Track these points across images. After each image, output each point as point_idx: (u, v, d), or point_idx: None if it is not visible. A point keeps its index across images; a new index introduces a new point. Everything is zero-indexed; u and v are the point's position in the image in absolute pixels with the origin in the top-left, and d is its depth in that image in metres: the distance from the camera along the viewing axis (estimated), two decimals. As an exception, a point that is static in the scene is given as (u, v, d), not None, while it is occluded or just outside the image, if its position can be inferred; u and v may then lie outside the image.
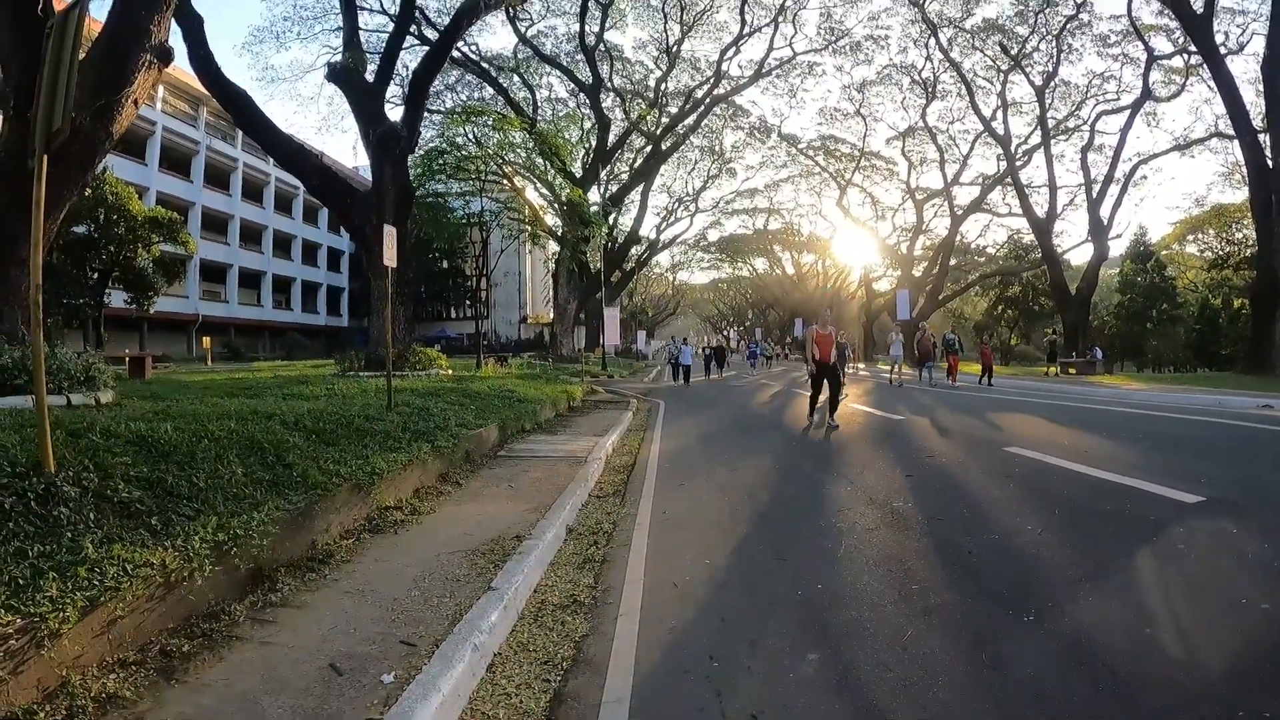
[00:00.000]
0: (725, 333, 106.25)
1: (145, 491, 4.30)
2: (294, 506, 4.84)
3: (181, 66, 13.33)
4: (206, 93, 22.11)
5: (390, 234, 10.23)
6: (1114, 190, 41.46)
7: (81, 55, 4.65)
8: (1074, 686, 3.09)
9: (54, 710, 2.72)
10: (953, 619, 3.86)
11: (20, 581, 3.04)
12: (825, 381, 12.66)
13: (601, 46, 41.64)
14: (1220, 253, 51.25)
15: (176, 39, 12.09)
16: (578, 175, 40.14)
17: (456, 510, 6.45)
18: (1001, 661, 3.34)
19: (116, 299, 31.94)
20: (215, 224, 51.70)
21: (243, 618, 3.77)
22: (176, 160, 47.82)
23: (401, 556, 4.97)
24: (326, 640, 3.53)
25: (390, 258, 10.17)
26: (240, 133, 47.12)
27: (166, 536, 3.83)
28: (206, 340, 44.53)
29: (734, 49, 43.86)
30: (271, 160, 48.43)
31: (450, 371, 20.62)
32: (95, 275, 28.86)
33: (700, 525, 6.18)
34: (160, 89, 40.43)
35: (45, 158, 4.46)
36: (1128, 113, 40.30)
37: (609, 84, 43.42)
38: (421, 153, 28.58)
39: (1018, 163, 45.55)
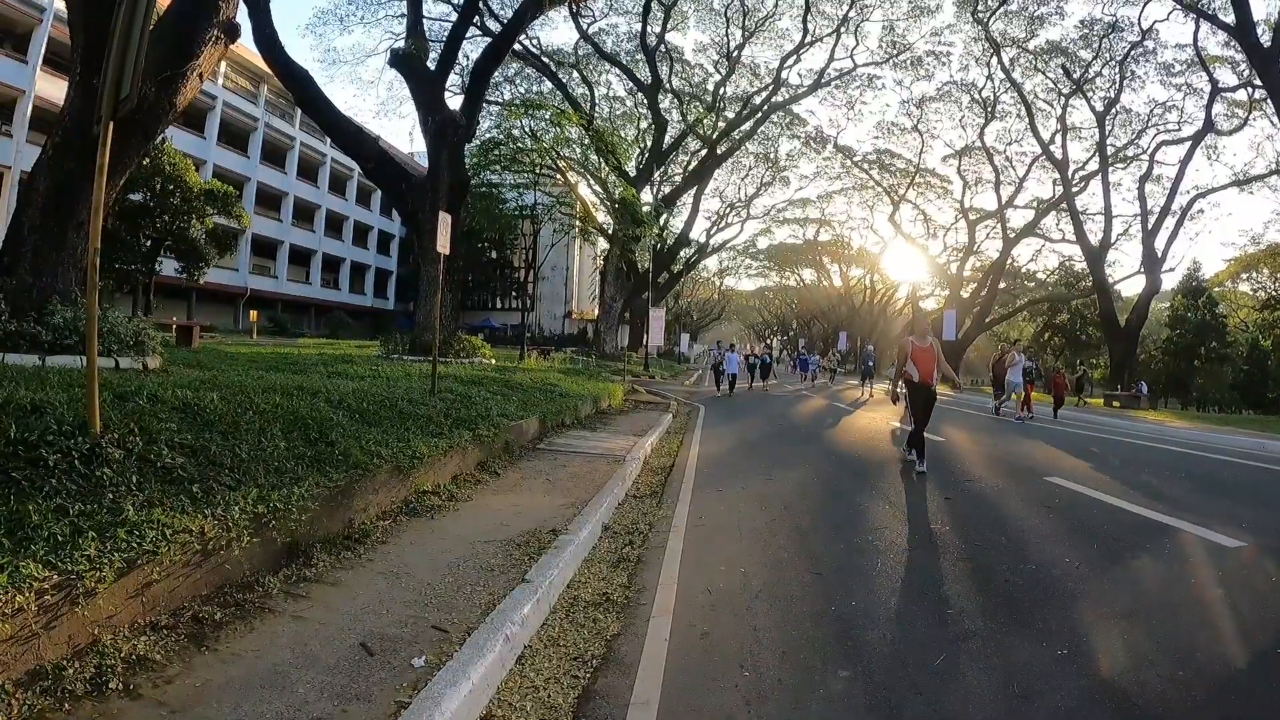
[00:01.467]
0: (768, 341, 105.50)
1: (188, 458, 4.31)
2: (334, 484, 4.83)
3: (245, 44, 13.52)
4: (267, 71, 22.40)
5: (445, 221, 10.26)
6: (1170, 222, 40.72)
7: (151, 26, 4.64)
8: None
9: (83, 668, 2.72)
10: (985, 648, 3.77)
11: (59, 538, 3.04)
12: (925, 407, 9.75)
13: (662, 47, 41.56)
14: (1274, 293, 50.02)
15: (242, 16, 12.19)
16: (631, 175, 40.11)
17: (494, 500, 6.43)
18: (1033, 695, 3.26)
19: (167, 267, 32.39)
20: (269, 200, 52.32)
21: (276, 590, 3.77)
22: (235, 135, 48.43)
23: (437, 541, 4.95)
24: (358, 619, 3.51)
25: (444, 245, 10.19)
26: (298, 112, 47.80)
27: (206, 505, 3.82)
28: (254, 313, 45.11)
29: (794, 57, 43.53)
30: (328, 141, 49.01)
31: (493, 361, 20.68)
32: (148, 243, 29.26)
33: (736, 533, 6.10)
34: (223, 65, 40.94)
35: (111, 125, 4.49)
36: (1188, 144, 39.51)
37: (668, 85, 43.31)
38: (478, 143, 28.70)
39: (1074, 188, 44.77)
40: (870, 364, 30.55)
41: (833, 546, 5.70)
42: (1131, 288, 48.18)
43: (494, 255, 63.77)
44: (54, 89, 29.46)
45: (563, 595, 4.39)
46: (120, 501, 3.51)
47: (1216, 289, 55.30)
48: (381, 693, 2.84)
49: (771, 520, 6.60)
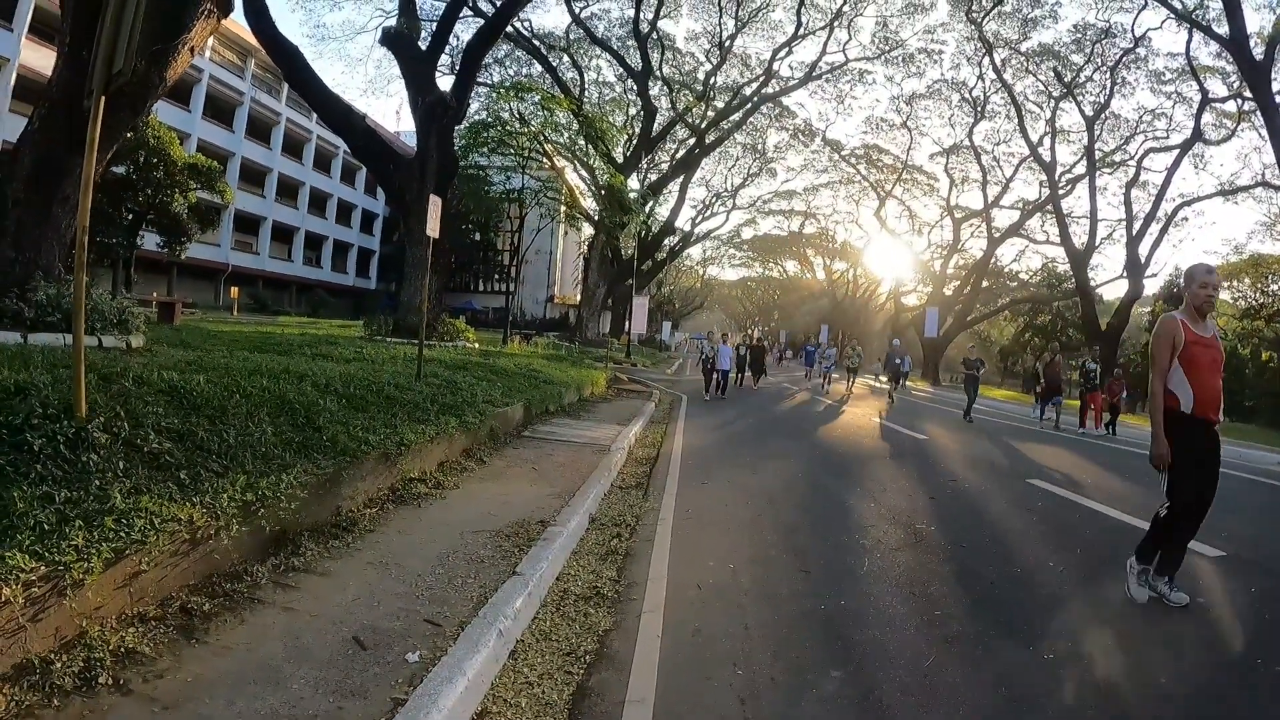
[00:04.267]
0: (750, 331, 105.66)
1: (175, 444, 4.25)
2: (322, 471, 4.77)
3: (234, 17, 13.35)
4: (255, 45, 22.21)
5: (435, 204, 10.17)
6: (1154, 229, 40.86)
7: (144, -2, 4.54)
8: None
9: (70, 661, 2.67)
10: (974, 650, 3.81)
11: (45, 527, 2.98)
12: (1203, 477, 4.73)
13: (654, 34, 41.30)
14: (1254, 302, 50.41)
15: (234, -11, 12.00)
16: (619, 161, 39.93)
17: (480, 488, 6.39)
18: (1021, 698, 3.30)
19: (149, 241, 31.93)
20: (253, 176, 51.75)
21: (265, 580, 3.71)
22: (220, 109, 47.82)
23: (425, 531, 4.91)
24: (350, 611, 3.47)
25: (434, 228, 10.11)
26: (285, 88, 47.32)
27: (195, 492, 3.76)
28: (235, 290, 44.66)
29: (787, 49, 43.40)
30: (315, 118, 48.58)
31: (477, 345, 20.61)
32: (130, 216, 28.81)
33: (723, 527, 6.09)
34: (210, 38, 40.47)
35: (102, 99, 4.40)
36: (1176, 152, 39.60)
37: (658, 73, 43.07)
38: (466, 125, 28.50)
39: (1060, 191, 44.94)
40: (899, 362, 24.76)
41: (820, 544, 5.70)
42: (1114, 292, 48.68)
43: (478, 237, 63.53)
44: (39, 58, 29.00)
45: (552, 588, 4.36)
46: (107, 489, 3.46)
47: (1197, 296, 55.63)
48: (377, 688, 2.81)
49: (758, 515, 6.60)
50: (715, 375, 20.14)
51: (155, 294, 28.95)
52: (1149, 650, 3.92)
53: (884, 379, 29.29)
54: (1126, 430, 18.52)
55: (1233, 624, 4.45)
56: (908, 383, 31.97)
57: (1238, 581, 5.31)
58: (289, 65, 19.48)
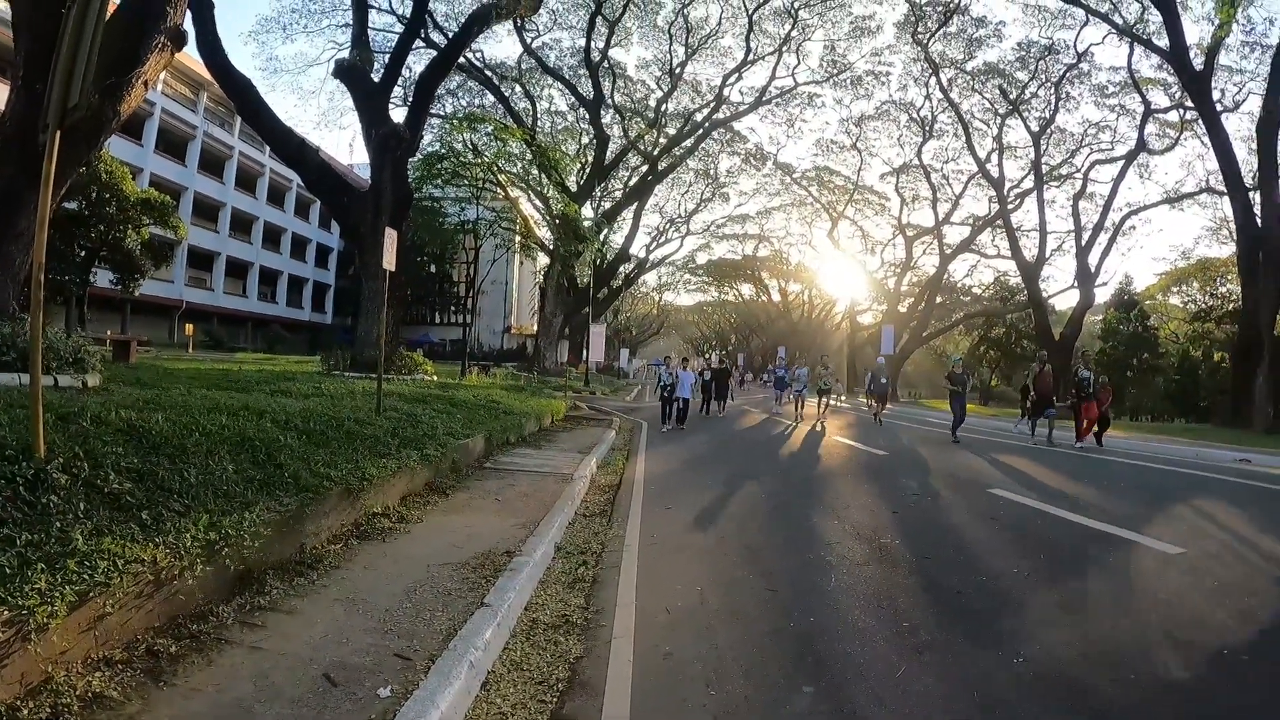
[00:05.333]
0: (707, 355, 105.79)
1: (136, 484, 4.21)
2: (285, 508, 4.75)
3: (187, 50, 13.19)
4: (208, 78, 22.02)
5: (392, 237, 10.16)
6: (1103, 239, 41.97)
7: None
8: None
9: (37, 707, 2.64)
10: (944, 658, 3.87)
11: (7, 570, 2.94)
12: None
13: (605, 63, 41.62)
14: (1203, 305, 51.74)
15: (186, 23, 11.96)
16: (573, 190, 40.08)
17: (445, 521, 6.37)
18: (993, 703, 3.36)
19: (102, 278, 31.42)
20: (206, 211, 51.19)
21: (231, 620, 3.68)
22: (173, 143, 47.32)
23: (391, 565, 4.89)
24: (319, 649, 3.45)
25: (390, 261, 10.10)
26: (238, 121, 46.93)
27: (157, 532, 3.73)
28: (189, 327, 44.10)
29: (736, 75, 43.98)
30: (268, 151, 48.17)
31: (435, 377, 20.50)
32: (83, 253, 28.36)
33: (689, 551, 6.13)
34: (164, 71, 40.06)
35: (58, 134, 4.38)
36: (1121, 163, 40.79)
37: (610, 101, 43.37)
38: (420, 156, 28.50)
39: (1009, 206, 45.93)
40: (884, 381, 23.12)
41: (786, 562, 5.76)
42: (1065, 302, 49.51)
43: (433, 269, 63.24)
44: (-15, 93, 28.53)
45: (521, 618, 4.37)
46: (69, 531, 3.41)
47: (1148, 302, 57.06)
48: (349, 725, 2.80)
49: (723, 537, 6.64)
50: (675, 404, 18.15)
51: (110, 332, 28.52)
52: (1115, 649, 4.00)
53: (864, 399, 29.36)
54: (1114, 441, 17.67)
55: (1194, 618, 4.55)
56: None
57: (1197, 577, 5.44)
58: (242, 98, 19.39)
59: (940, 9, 40.06)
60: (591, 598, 4.86)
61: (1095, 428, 16.61)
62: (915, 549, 6.20)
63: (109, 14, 9.30)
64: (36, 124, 4.73)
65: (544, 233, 42.72)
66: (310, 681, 3.11)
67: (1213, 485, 10.76)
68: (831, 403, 24.31)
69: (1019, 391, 24.08)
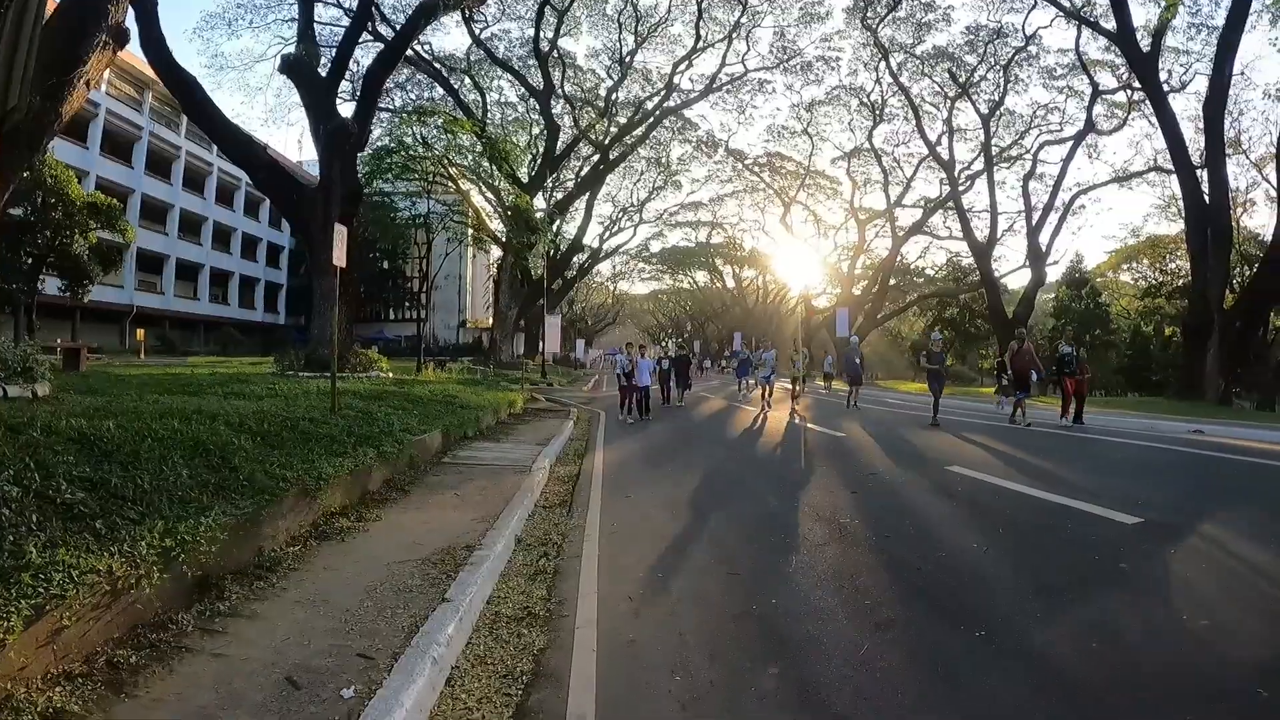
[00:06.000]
0: (664, 343, 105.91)
1: (89, 493, 4.16)
2: (241, 512, 4.71)
3: (130, 49, 12.92)
4: (153, 77, 21.64)
5: (341, 233, 10.04)
6: (1053, 218, 42.93)
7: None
8: (1023, 698, 3.23)
9: (-4, 725, 2.62)
10: (906, 634, 3.97)
11: (-40, 587, 2.91)
12: None
13: (555, 53, 41.52)
14: (1153, 282, 52.78)
15: (129, 20, 11.74)
16: (524, 181, 39.92)
17: (404, 518, 6.36)
18: (955, 675, 3.45)
19: (50, 286, 30.65)
20: (155, 213, 50.23)
21: (191, 628, 3.66)
22: (118, 145, 46.33)
23: (351, 565, 4.88)
24: (280, 652, 3.45)
25: (340, 257, 9.99)
26: (184, 120, 46.23)
27: (112, 541, 3.69)
28: (140, 333, 43.23)
29: (687, 63, 44.16)
30: (215, 150, 47.39)
31: (391, 374, 20.37)
32: (29, 261, 27.62)
33: (649, 538, 6.18)
34: (107, 71, 39.16)
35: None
36: (1070, 144, 41.72)
37: (560, 91, 43.28)
38: (370, 151, 28.21)
39: (960, 188, 46.59)
40: (858, 361, 22.98)
41: (747, 546, 5.84)
42: (1018, 281, 50.41)
43: (386, 266, 62.65)
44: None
45: (484, 612, 4.39)
46: (22, 544, 3.36)
47: (1099, 279, 58.15)
48: (313, 727, 2.81)
49: (684, 524, 6.71)
50: (635, 393, 17.62)
51: (59, 340, 27.81)
52: (1075, 620, 4.11)
53: (826, 382, 29.54)
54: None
55: (1154, 587, 4.70)
56: (833, 384, 32.51)
57: (1155, 545, 5.60)
58: (187, 96, 19.08)
59: (889, -8, 40.47)
60: (553, 589, 4.90)
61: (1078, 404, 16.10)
62: (874, 527, 6.31)
63: (48, 13, 9.17)
64: (-27, 130, 4.64)
65: (496, 225, 42.46)
66: (273, 686, 3.11)
67: (1170, 456, 11.09)
68: (800, 390, 22.40)
69: (995, 367, 24.21)
